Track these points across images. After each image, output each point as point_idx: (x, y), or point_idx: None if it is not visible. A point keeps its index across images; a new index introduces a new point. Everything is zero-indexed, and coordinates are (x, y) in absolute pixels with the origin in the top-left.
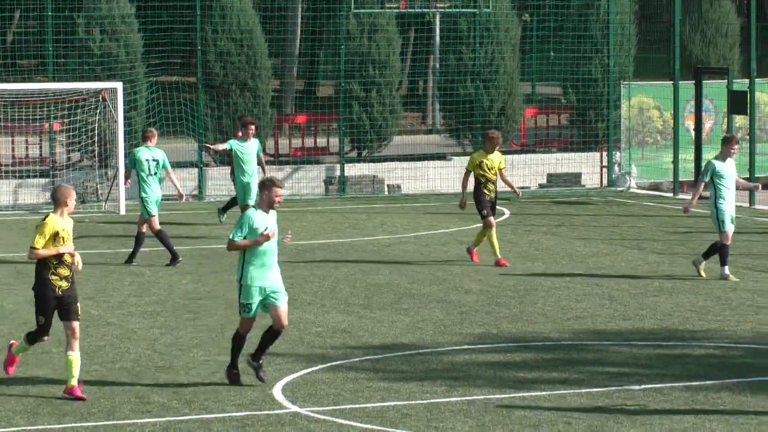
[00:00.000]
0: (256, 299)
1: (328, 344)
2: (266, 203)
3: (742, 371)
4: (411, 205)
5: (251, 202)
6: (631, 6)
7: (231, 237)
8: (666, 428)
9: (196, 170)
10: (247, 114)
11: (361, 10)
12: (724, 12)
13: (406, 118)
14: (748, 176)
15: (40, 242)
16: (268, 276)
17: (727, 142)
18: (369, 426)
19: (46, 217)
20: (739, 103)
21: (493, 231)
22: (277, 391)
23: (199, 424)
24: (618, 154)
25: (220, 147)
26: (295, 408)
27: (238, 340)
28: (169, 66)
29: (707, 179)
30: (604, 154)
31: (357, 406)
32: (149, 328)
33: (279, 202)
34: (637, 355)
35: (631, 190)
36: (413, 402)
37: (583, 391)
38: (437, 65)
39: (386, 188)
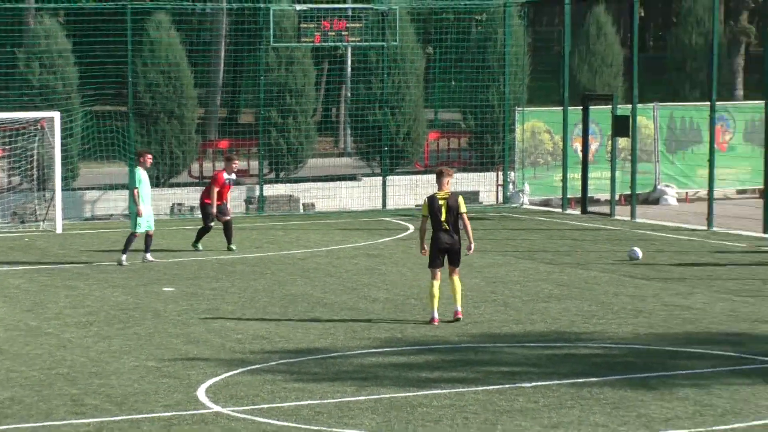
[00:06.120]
0: None
1: (248, 349)
2: None
3: (622, 369)
4: (324, 222)
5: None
6: (525, 39)
7: None
8: (554, 421)
9: (126, 191)
10: (173, 140)
11: (279, 44)
12: (609, 44)
13: (320, 143)
14: (629, 193)
15: None
16: None
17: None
18: (285, 423)
19: None
20: (622, 126)
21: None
22: (200, 393)
23: (130, 423)
24: (512, 173)
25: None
26: (217, 408)
27: None
28: (102, 96)
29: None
30: (500, 173)
31: (274, 405)
32: (83, 337)
33: None
34: (528, 356)
35: (524, 206)
36: (325, 401)
37: (480, 389)
38: (349, 94)
39: (301, 207)
